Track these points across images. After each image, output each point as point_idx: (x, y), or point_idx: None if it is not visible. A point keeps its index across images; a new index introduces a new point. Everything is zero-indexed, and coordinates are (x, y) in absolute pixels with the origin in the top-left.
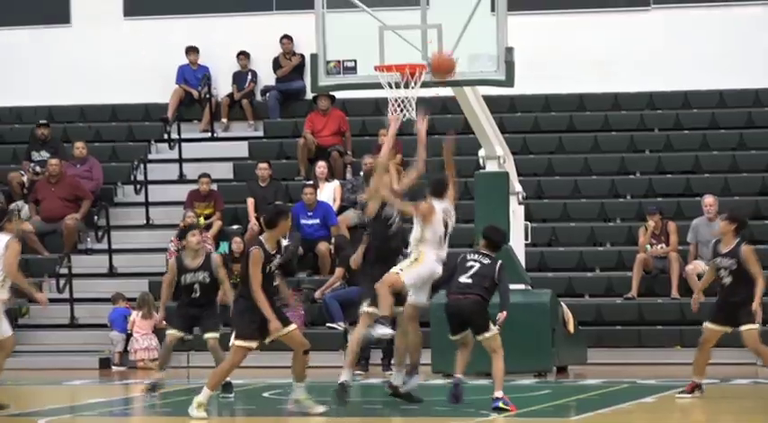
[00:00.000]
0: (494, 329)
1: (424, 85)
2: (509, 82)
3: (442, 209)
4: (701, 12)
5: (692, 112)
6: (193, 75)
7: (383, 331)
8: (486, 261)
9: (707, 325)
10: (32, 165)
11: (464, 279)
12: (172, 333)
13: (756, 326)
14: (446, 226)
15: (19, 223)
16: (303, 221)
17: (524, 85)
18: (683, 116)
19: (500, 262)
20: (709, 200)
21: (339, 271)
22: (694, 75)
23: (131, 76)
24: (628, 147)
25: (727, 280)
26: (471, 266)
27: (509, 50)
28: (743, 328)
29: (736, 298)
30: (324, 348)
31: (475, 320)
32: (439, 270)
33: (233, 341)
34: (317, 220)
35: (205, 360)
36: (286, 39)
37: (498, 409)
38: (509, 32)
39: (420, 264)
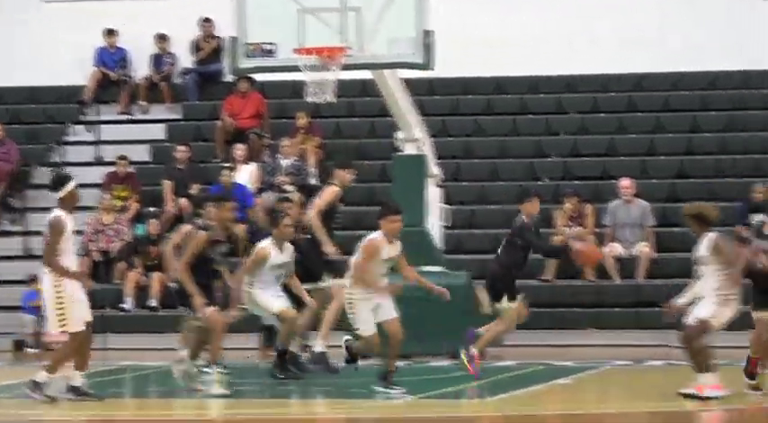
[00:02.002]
0: None
1: (343, 67)
2: (428, 65)
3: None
4: None
5: (610, 96)
6: (111, 57)
7: None
8: None
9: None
10: None
11: None
12: None
13: None
14: None
15: None
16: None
17: (443, 69)
18: (600, 99)
19: None
20: (625, 183)
21: None
22: (613, 58)
23: (49, 59)
24: (545, 130)
25: None
26: None
27: (428, 33)
28: None
29: None
30: (239, 330)
31: None
32: None
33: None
34: (234, 203)
35: (123, 342)
36: (206, 21)
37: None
38: (431, 15)
39: None
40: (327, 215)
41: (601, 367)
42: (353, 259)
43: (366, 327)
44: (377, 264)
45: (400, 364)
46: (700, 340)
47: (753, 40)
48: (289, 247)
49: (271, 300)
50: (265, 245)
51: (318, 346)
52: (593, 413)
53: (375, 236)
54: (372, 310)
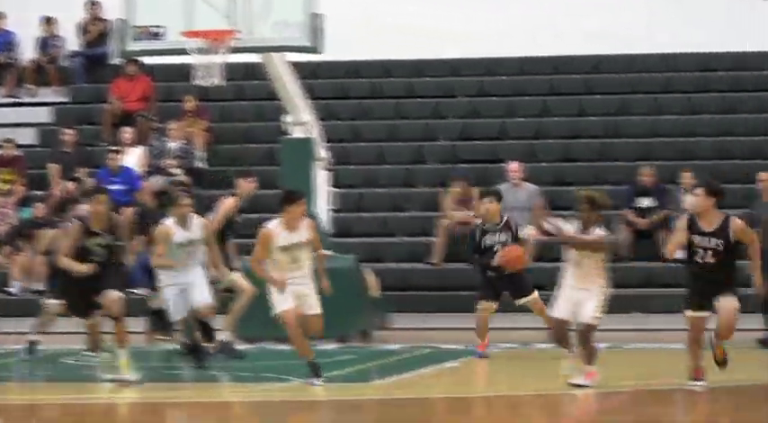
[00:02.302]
0: None
1: (231, 51)
2: (316, 48)
3: None
4: None
5: (497, 80)
6: None
7: None
8: None
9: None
10: None
11: None
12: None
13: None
14: None
15: None
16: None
17: (330, 52)
18: (487, 83)
19: None
20: (513, 166)
21: (142, 238)
22: (498, 43)
23: None
24: (432, 113)
25: (711, 260)
26: None
27: (316, 17)
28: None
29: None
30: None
31: None
32: None
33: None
34: (122, 186)
35: (10, 325)
36: (93, 4)
37: None
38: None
39: None
40: (225, 226)
41: (489, 350)
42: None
43: (280, 305)
44: (278, 252)
45: (286, 348)
46: (592, 336)
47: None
48: (196, 224)
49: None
50: (167, 223)
51: (224, 335)
52: (480, 396)
53: (271, 224)
54: (289, 293)
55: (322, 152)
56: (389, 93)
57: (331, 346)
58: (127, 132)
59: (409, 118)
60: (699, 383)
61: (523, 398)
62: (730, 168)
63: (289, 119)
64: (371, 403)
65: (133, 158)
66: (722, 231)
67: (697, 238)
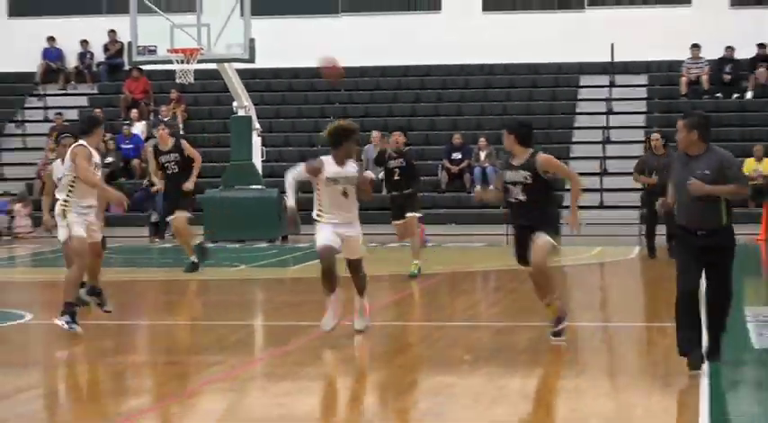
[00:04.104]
0: None
1: (199, 61)
2: (251, 60)
3: None
4: None
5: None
6: (52, 54)
7: None
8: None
9: None
10: None
11: None
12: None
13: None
14: None
15: None
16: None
17: (259, 62)
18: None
19: None
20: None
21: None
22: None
23: (13, 52)
24: (326, 100)
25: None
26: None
27: (252, 41)
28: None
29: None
30: None
31: None
32: None
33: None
34: (132, 146)
35: None
36: (111, 32)
37: None
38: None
39: None
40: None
41: None
42: None
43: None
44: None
45: (236, 246)
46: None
47: None
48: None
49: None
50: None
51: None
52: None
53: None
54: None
55: (256, 124)
56: (298, 87)
57: (263, 243)
58: (134, 113)
59: (310, 103)
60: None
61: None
62: None
63: (236, 104)
64: (290, 279)
65: (138, 128)
66: (529, 164)
67: (508, 173)
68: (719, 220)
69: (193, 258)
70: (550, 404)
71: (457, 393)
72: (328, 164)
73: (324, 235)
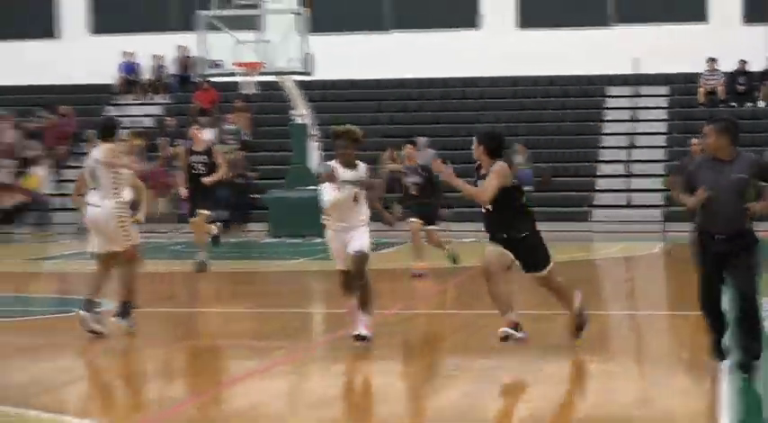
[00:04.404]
0: None
1: (261, 74)
2: (309, 73)
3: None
4: None
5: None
6: (129, 67)
7: None
8: None
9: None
10: None
11: None
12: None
13: None
14: None
15: None
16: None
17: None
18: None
19: None
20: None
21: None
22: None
23: (94, 67)
24: (377, 108)
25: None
26: None
27: (309, 55)
28: None
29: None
30: None
31: None
32: None
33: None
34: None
35: None
36: (181, 47)
37: None
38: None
39: None
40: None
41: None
42: None
43: None
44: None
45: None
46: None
47: None
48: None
49: None
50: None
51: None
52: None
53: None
54: None
55: (313, 131)
56: (352, 97)
57: (320, 240)
58: (203, 120)
59: (363, 112)
60: None
61: None
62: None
63: (295, 112)
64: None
65: (207, 135)
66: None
67: (479, 183)
68: (743, 224)
69: (203, 258)
70: (584, 386)
71: (499, 376)
72: (337, 168)
73: (334, 253)
